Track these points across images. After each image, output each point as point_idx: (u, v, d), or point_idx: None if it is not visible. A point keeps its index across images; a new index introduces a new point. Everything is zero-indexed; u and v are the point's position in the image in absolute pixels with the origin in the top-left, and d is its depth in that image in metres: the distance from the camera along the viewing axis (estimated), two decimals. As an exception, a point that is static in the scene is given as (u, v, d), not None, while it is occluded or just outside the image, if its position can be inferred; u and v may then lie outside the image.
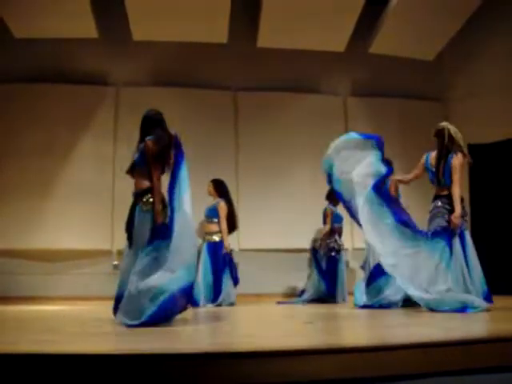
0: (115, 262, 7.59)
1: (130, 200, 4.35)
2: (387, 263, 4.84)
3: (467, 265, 4.77)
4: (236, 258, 7.40)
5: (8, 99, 8.16)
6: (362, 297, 5.75)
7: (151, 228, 3.99)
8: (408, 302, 5.31)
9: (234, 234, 7.84)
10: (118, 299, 3.98)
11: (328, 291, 7.13)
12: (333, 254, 7.24)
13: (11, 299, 7.10)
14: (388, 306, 5.45)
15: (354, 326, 3.81)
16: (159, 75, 8.66)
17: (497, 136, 8.00)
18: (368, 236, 5.04)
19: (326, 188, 7.46)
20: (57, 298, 7.39)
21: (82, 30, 8.07)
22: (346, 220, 7.17)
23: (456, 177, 4.89)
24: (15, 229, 7.77)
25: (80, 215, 7.95)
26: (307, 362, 1.91)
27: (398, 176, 5.83)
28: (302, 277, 8.10)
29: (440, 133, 5.12)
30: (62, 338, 2.99)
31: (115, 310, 4.01)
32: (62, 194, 7.96)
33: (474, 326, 3.52)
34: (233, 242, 8.25)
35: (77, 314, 5.38)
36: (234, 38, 8.56)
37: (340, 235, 7.42)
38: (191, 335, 3.18)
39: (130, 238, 4.11)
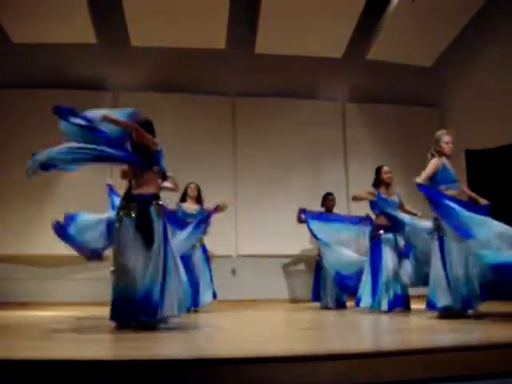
0: (112, 268, 7.55)
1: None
2: None
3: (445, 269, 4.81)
4: (233, 264, 7.40)
5: (5, 104, 8.15)
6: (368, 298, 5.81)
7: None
8: None
9: (232, 239, 7.84)
10: (143, 301, 3.92)
11: (312, 294, 7.21)
12: (317, 258, 7.27)
13: (7, 304, 7.06)
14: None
15: (351, 332, 3.80)
16: (157, 81, 8.66)
17: (494, 142, 8.01)
18: None
19: (322, 193, 7.49)
20: (54, 304, 7.35)
21: (81, 35, 8.08)
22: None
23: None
24: (12, 234, 7.74)
25: (77, 220, 7.92)
26: (303, 368, 1.90)
27: None
28: (298, 282, 8.13)
29: None
30: (59, 344, 2.97)
31: (138, 315, 3.96)
32: (59, 200, 7.92)
33: (475, 331, 3.51)
34: (231, 248, 8.28)
35: (74, 319, 5.36)
36: (233, 43, 8.59)
37: None
38: (187, 341, 3.17)
39: (149, 240, 4.08)
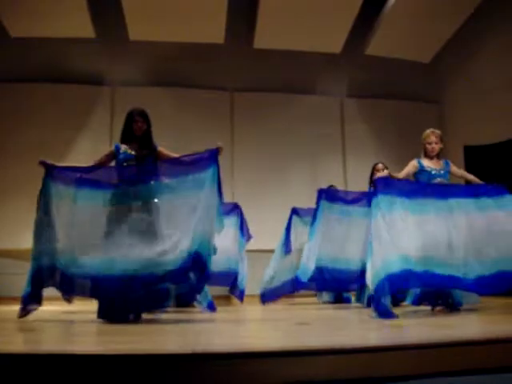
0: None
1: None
2: None
3: None
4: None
5: (3, 98, 8.14)
6: None
7: None
8: None
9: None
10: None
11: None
12: None
13: (2, 299, 7.04)
14: None
15: (346, 327, 3.81)
16: (155, 75, 8.66)
17: (493, 138, 8.02)
18: None
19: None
20: (48, 298, 7.30)
21: (79, 30, 8.07)
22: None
23: None
24: (8, 229, 7.74)
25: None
26: (300, 362, 1.91)
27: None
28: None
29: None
30: (55, 338, 2.98)
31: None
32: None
33: (470, 326, 3.52)
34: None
35: (69, 314, 5.36)
36: (231, 38, 8.58)
37: None
38: (183, 336, 3.17)
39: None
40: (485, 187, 4.73)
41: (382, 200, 4.36)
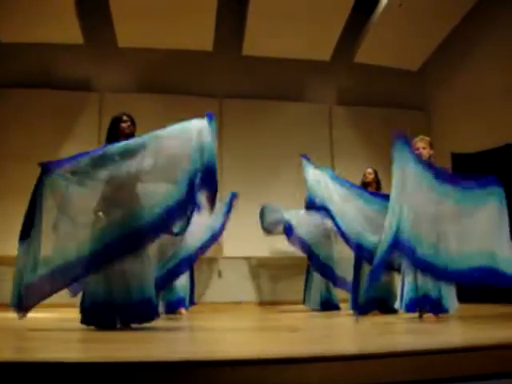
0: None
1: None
2: None
3: None
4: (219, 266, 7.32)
5: (-9, 104, 8.10)
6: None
7: None
8: None
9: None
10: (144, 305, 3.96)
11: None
12: (308, 263, 7.24)
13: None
14: None
15: (337, 334, 3.80)
16: (144, 82, 8.65)
17: (480, 146, 8.07)
18: None
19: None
20: (39, 306, 7.26)
21: (68, 36, 8.06)
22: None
23: None
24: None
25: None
26: (288, 370, 1.90)
27: None
28: (286, 284, 8.10)
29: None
30: (46, 346, 2.95)
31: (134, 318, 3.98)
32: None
33: (460, 333, 3.53)
34: (217, 250, 8.25)
35: (60, 321, 5.32)
36: (220, 45, 8.61)
37: None
38: (172, 343, 3.16)
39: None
40: (475, 179, 4.82)
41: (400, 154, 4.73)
